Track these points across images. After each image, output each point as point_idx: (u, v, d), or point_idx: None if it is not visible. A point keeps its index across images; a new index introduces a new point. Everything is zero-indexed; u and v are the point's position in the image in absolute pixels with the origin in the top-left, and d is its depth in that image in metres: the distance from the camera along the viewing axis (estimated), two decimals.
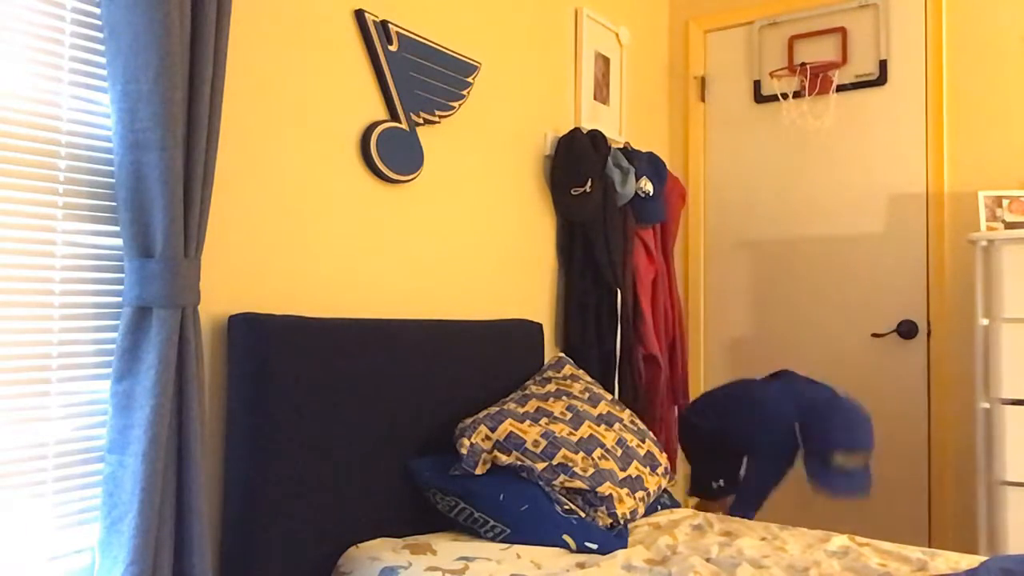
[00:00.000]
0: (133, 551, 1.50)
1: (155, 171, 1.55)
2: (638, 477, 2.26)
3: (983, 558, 1.90)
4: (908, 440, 3.09)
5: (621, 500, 2.15)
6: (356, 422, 1.98)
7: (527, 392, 2.35)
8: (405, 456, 2.10)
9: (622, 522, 2.14)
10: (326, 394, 1.91)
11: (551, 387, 2.40)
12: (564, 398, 2.33)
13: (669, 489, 2.54)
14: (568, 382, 2.45)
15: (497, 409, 2.20)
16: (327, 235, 2.10)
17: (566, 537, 1.96)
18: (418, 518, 2.10)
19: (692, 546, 1.99)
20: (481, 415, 2.16)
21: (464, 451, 2.06)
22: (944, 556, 1.94)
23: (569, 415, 2.27)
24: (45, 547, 1.56)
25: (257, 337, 1.80)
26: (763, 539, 2.08)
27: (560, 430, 2.19)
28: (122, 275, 1.61)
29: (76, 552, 1.61)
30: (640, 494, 2.23)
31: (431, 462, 2.11)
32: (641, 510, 2.24)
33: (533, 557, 1.86)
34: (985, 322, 2.64)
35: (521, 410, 2.21)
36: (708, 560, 1.87)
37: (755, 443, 2.53)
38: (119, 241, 1.62)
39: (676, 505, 2.51)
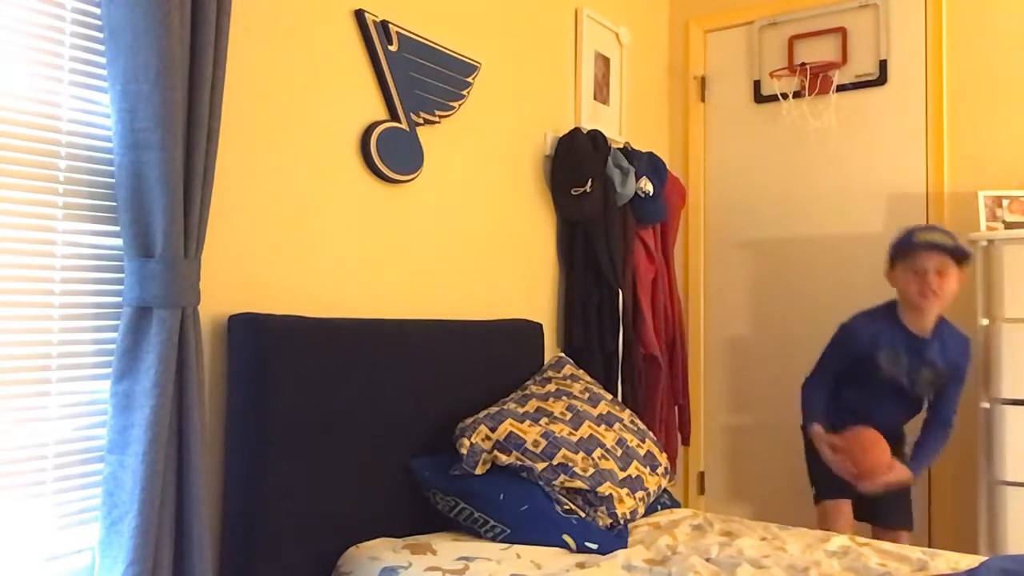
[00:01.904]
0: (133, 551, 1.49)
1: (155, 171, 1.55)
2: (638, 477, 2.26)
3: (983, 558, 1.90)
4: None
5: (621, 500, 2.15)
6: (356, 422, 1.98)
7: (527, 392, 2.35)
8: (405, 456, 2.10)
9: (622, 522, 2.14)
10: (326, 394, 1.91)
11: (551, 387, 2.40)
12: (564, 398, 2.33)
13: (669, 489, 2.53)
14: (568, 382, 2.45)
15: (497, 409, 2.19)
16: (327, 235, 2.10)
17: (566, 537, 1.96)
18: (418, 518, 2.10)
19: (692, 546, 1.99)
20: (481, 415, 2.16)
21: (464, 451, 2.06)
22: (944, 556, 1.94)
23: (569, 415, 2.27)
24: (45, 547, 1.56)
25: (257, 337, 1.80)
26: (763, 539, 2.08)
27: (560, 430, 2.19)
28: (122, 275, 1.61)
29: (76, 552, 1.61)
30: (640, 494, 2.23)
31: (431, 462, 2.11)
32: (641, 510, 2.24)
33: (533, 557, 1.85)
34: (985, 322, 2.64)
35: (521, 410, 2.21)
36: (708, 560, 1.87)
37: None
38: (119, 241, 1.62)
39: (676, 505, 2.51)
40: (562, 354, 2.65)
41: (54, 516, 1.57)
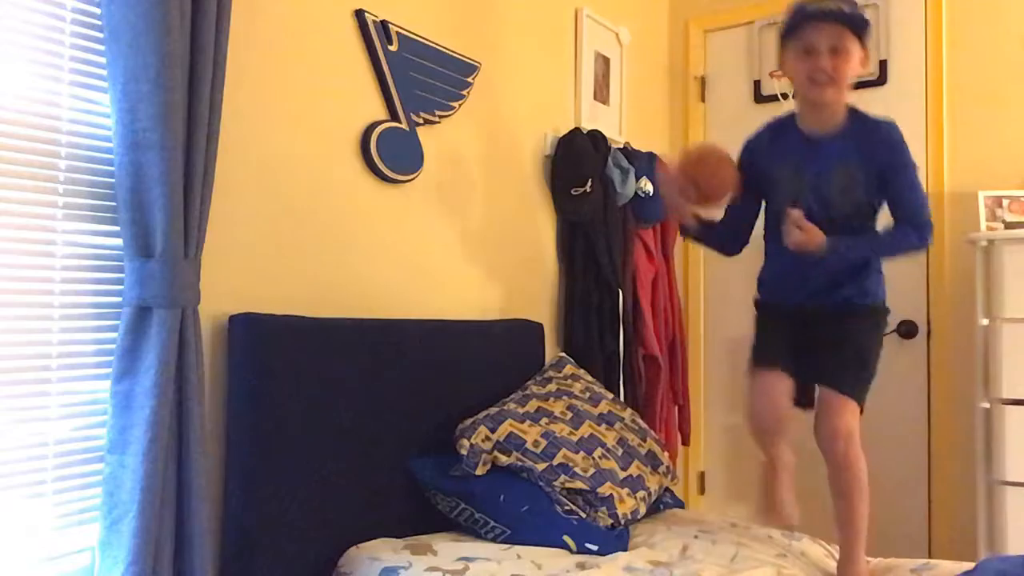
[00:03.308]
0: (133, 551, 1.49)
1: (155, 171, 1.55)
2: (639, 476, 2.25)
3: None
4: (908, 440, 3.09)
5: (622, 500, 2.14)
6: (356, 422, 1.97)
7: (528, 392, 2.35)
8: (405, 456, 2.09)
9: (623, 522, 2.13)
10: (326, 394, 1.91)
11: (552, 387, 2.39)
12: (565, 398, 2.33)
13: (671, 488, 2.52)
14: (569, 382, 2.44)
15: (497, 409, 2.19)
16: (327, 235, 2.10)
17: (566, 538, 1.95)
18: (419, 518, 2.10)
19: (695, 547, 1.98)
20: (481, 416, 2.16)
21: (464, 452, 2.06)
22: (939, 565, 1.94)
23: (570, 415, 2.26)
24: (45, 547, 1.56)
25: (257, 337, 1.80)
26: (780, 555, 1.99)
27: (560, 430, 2.18)
28: (122, 275, 1.61)
29: (76, 552, 1.61)
30: (641, 494, 2.22)
31: (432, 462, 2.11)
32: (643, 510, 2.23)
33: (534, 557, 1.85)
34: (985, 322, 2.64)
35: (521, 410, 2.21)
36: (711, 563, 1.87)
37: None
38: (119, 241, 1.62)
39: (679, 505, 2.50)
40: (563, 354, 2.64)
41: (54, 516, 1.57)
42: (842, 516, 1.92)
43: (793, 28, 1.92)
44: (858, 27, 1.88)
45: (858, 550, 1.91)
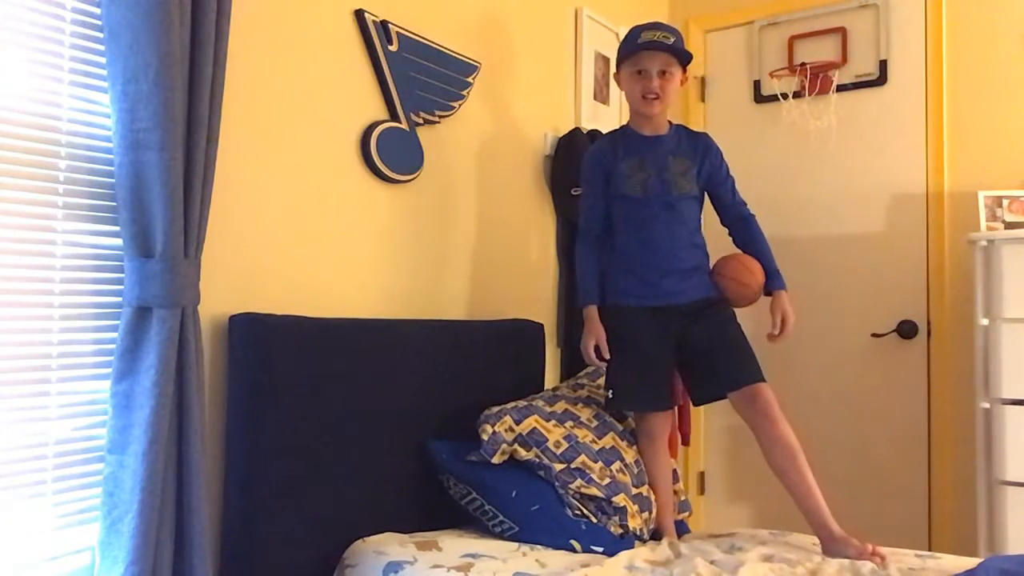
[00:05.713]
0: (133, 551, 1.49)
1: (155, 171, 1.55)
2: (648, 498, 2.23)
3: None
4: (908, 440, 3.09)
5: (633, 515, 2.12)
6: (355, 422, 1.97)
7: (558, 393, 2.35)
8: (404, 456, 2.09)
9: (632, 536, 2.11)
10: (326, 394, 1.91)
11: (583, 392, 2.38)
12: (594, 406, 2.31)
13: (684, 520, 2.49)
14: (602, 392, 2.42)
15: (525, 403, 2.19)
16: (327, 235, 2.10)
17: (573, 542, 1.96)
18: (421, 516, 2.10)
19: (696, 549, 1.98)
20: (508, 406, 2.16)
21: (485, 437, 2.06)
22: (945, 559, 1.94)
23: (596, 423, 2.24)
24: (45, 547, 1.56)
25: (257, 337, 1.80)
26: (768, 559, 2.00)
27: (584, 436, 2.16)
28: (122, 275, 1.61)
29: (76, 552, 1.61)
30: (645, 515, 2.19)
31: (450, 446, 2.11)
32: (646, 533, 2.18)
33: (538, 556, 1.86)
34: (985, 322, 2.63)
35: (549, 409, 2.20)
36: (712, 563, 1.86)
37: None
38: (119, 241, 1.62)
39: (685, 531, 2.46)
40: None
41: (54, 516, 1.57)
42: (802, 488, 2.11)
43: (629, 54, 2.27)
44: (681, 58, 2.27)
45: (828, 512, 2.08)
